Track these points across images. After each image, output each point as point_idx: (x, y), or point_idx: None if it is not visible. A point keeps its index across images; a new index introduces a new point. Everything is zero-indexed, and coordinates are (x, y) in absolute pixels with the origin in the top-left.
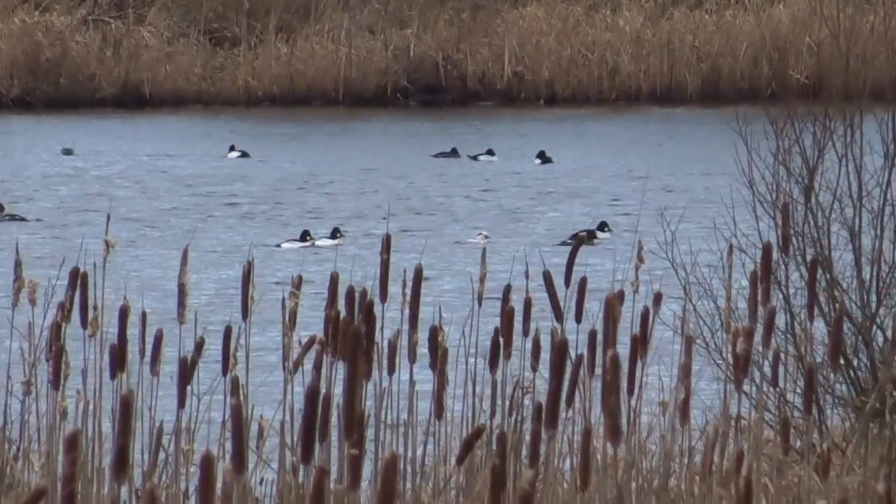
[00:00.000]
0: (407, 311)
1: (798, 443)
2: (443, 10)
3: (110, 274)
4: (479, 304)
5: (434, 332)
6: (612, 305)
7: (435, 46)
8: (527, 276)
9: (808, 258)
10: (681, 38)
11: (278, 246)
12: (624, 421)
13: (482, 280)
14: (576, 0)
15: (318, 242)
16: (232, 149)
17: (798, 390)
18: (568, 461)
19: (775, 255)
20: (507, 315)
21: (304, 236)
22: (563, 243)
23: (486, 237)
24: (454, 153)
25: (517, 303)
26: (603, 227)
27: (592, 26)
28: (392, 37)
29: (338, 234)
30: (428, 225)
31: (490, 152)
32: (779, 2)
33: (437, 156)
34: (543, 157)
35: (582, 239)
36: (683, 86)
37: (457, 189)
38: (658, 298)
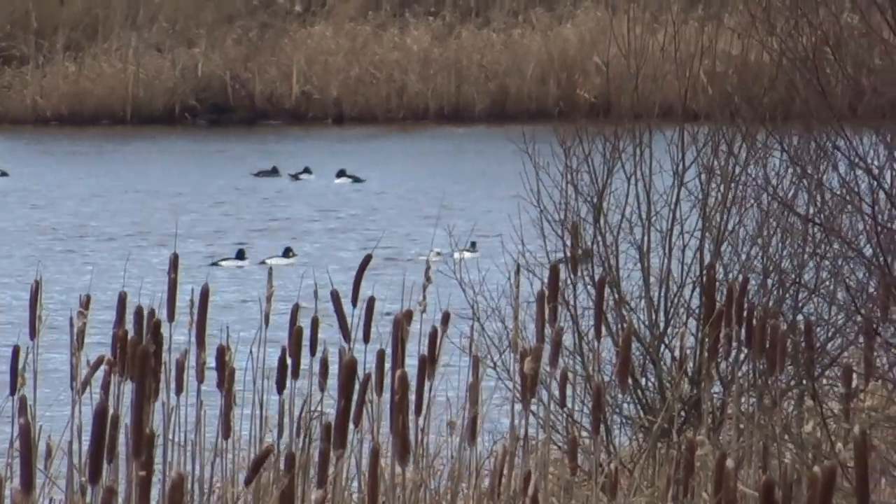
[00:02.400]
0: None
1: (586, 463)
2: (230, 30)
3: None
4: (267, 324)
5: (221, 352)
6: (401, 325)
7: (223, 66)
8: (315, 296)
9: (597, 277)
10: (468, 58)
11: (215, 265)
12: (412, 441)
13: (269, 299)
14: (364, 19)
15: (269, 261)
16: None
17: (586, 410)
18: (356, 482)
19: (563, 274)
20: (295, 334)
21: (241, 254)
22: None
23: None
24: (274, 172)
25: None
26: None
27: (381, 45)
28: (180, 56)
29: (290, 254)
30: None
31: (308, 171)
32: (567, 21)
33: (258, 175)
34: (351, 177)
35: (369, 258)
36: (471, 105)
37: (300, 208)
38: (446, 318)
